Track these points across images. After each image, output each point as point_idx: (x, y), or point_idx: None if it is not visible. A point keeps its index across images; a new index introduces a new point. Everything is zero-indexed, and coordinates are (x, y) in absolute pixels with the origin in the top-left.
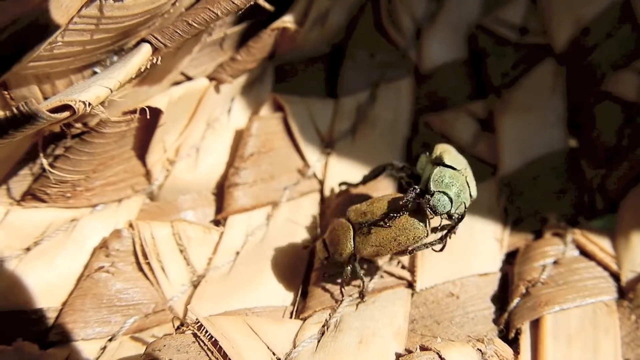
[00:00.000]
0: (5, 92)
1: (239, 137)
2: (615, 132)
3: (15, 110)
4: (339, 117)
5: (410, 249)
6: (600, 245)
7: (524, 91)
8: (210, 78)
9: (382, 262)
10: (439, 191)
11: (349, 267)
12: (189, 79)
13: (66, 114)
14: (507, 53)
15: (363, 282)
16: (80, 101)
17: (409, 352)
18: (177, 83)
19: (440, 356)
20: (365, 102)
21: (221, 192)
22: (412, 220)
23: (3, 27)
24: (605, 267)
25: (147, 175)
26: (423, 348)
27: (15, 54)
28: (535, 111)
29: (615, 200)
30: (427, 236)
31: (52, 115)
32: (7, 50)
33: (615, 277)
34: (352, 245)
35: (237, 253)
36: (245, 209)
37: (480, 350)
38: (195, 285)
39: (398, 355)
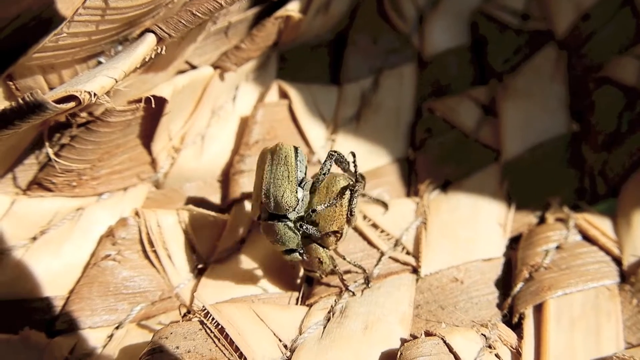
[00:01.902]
0: (11, 83)
1: (244, 125)
2: (616, 117)
3: (21, 101)
4: (343, 104)
5: (347, 204)
6: (602, 229)
7: (525, 77)
8: (215, 66)
9: (386, 247)
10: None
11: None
12: (193, 67)
13: (72, 104)
14: (508, 39)
15: (362, 268)
16: (85, 91)
17: (414, 337)
18: (181, 72)
19: (444, 341)
20: (368, 89)
21: (226, 180)
22: (331, 177)
23: (8, 21)
24: (607, 252)
25: (153, 163)
26: (428, 334)
27: (20, 46)
28: (537, 96)
29: (616, 185)
30: (352, 185)
31: (58, 105)
32: (12, 43)
33: (617, 261)
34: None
35: (243, 240)
36: (251, 196)
37: (484, 335)
38: (201, 272)
39: (403, 341)
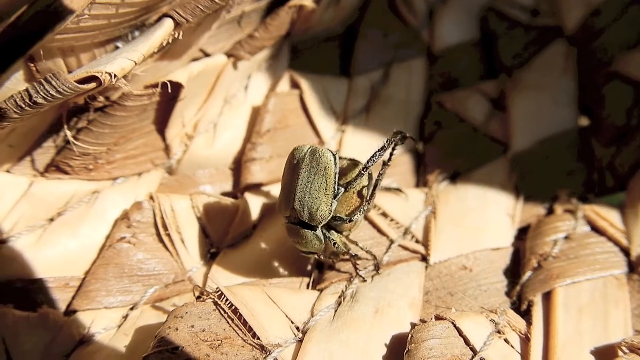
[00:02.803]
0: (32, 65)
1: (256, 114)
2: (625, 111)
3: (43, 81)
4: (353, 96)
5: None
6: (611, 221)
7: (535, 71)
8: (228, 55)
9: (395, 235)
10: None
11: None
12: (207, 55)
13: (92, 85)
14: (518, 34)
15: (372, 255)
16: (106, 72)
17: (424, 322)
18: (195, 59)
19: (454, 325)
20: (378, 82)
21: (238, 167)
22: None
23: (28, 5)
24: (616, 242)
25: (166, 149)
26: (438, 317)
27: (40, 30)
28: (547, 91)
29: (624, 179)
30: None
31: (79, 86)
32: (32, 27)
33: (625, 252)
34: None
35: (255, 226)
36: (262, 184)
37: (494, 321)
38: (214, 257)
39: (413, 325)
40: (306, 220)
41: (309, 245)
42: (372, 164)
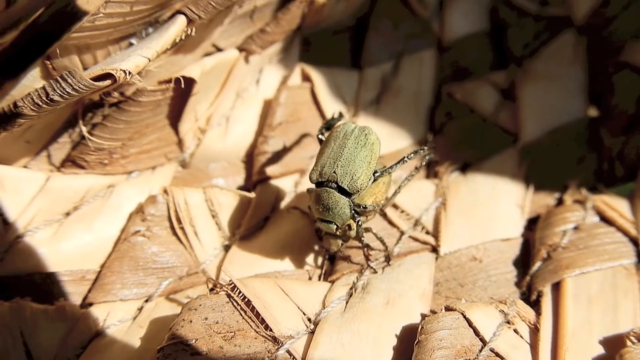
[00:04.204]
0: (48, 62)
1: (268, 107)
2: (635, 101)
3: (59, 79)
4: (364, 88)
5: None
6: (620, 211)
7: (545, 61)
8: (240, 49)
9: (406, 227)
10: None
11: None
12: (219, 50)
13: (107, 82)
14: (527, 24)
15: (385, 245)
16: (120, 70)
17: (434, 313)
18: (208, 54)
19: (464, 316)
20: (389, 73)
21: (251, 160)
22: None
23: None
24: (625, 233)
25: (180, 143)
26: (448, 308)
27: (57, 29)
28: (556, 80)
29: (634, 168)
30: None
31: (95, 83)
32: (50, 26)
33: (635, 242)
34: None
35: (267, 219)
36: (274, 176)
37: (503, 311)
38: (227, 249)
39: (423, 316)
40: (345, 186)
41: (336, 213)
42: (400, 165)
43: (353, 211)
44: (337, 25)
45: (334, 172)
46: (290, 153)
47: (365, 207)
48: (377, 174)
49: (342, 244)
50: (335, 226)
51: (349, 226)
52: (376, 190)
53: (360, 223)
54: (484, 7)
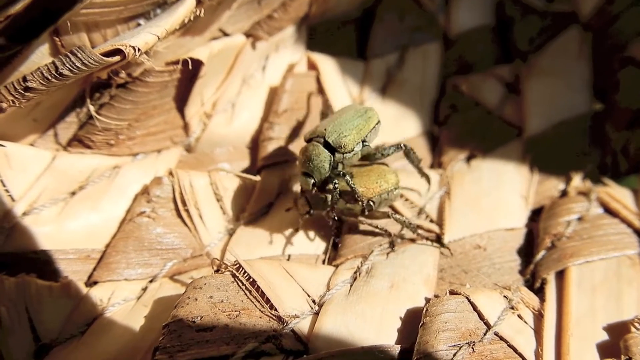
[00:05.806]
0: (57, 39)
1: (273, 94)
2: (639, 96)
3: (69, 54)
4: (369, 78)
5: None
6: (624, 203)
7: (550, 56)
8: (247, 35)
9: (410, 215)
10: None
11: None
12: (226, 35)
13: (117, 57)
14: (533, 20)
15: (405, 223)
16: (130, 46)
17: (438, 297)
18: (215, 39)
19: (469, 300)
20: (394, 65)
21: (256, 146)
22: (381, 170)
23: None
24: (629, 224)
25: (186, 127)
26: (452, 292)
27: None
28: (561, 75)
29: (637, 162)
30: None
31: (104, 58)
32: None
33: (638, 233)
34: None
35: (271, 203)
36: (279, 162)
37: (507, 297)
38: (231, 233)
39: (428, 300)
40: (331, 141)
41: (315, 165)
42: (392, 151)
43: (332, 169)
44: (343, 15)
45: (325, 129)
46: (295, 140)
47: (344, 174)
48: (365, 144)
49: (313, 185)
50: (312, 181)
51: (328, 189)
52: (368, 184)
53: (336, 185)
54: (490, 2)
